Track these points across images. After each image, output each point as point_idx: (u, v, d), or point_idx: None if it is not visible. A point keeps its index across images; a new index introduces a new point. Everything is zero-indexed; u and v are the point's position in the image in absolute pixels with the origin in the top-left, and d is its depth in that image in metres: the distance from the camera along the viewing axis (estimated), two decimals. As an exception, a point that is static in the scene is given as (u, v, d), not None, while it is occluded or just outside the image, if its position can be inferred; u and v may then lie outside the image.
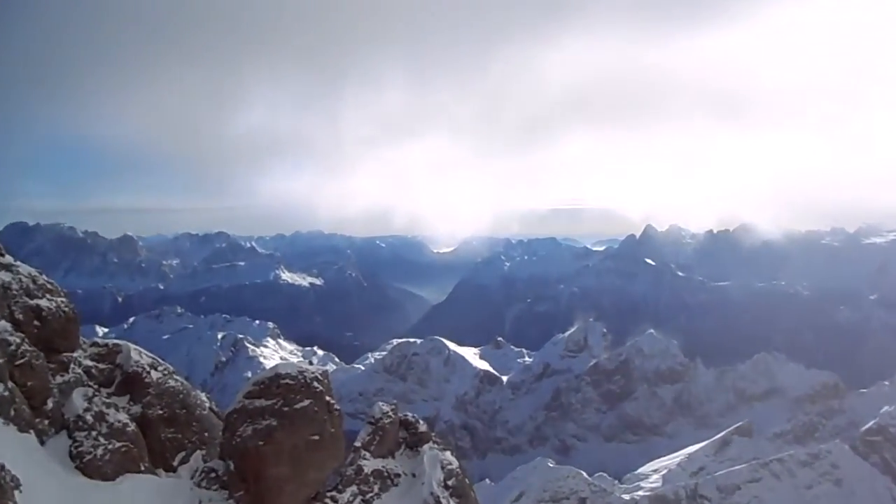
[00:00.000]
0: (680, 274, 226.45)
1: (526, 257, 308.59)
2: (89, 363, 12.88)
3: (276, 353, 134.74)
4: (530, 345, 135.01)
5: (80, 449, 11.61)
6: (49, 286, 12.70)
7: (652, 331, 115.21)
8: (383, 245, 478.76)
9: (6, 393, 10.71)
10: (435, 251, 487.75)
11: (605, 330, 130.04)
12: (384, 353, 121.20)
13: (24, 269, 12.69)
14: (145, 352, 13.64)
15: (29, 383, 11.34)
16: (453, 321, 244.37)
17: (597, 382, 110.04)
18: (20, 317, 11.88)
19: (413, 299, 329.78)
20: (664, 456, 78.09)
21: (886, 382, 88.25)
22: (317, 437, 11.60)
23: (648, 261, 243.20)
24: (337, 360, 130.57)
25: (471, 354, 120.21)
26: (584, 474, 67.49)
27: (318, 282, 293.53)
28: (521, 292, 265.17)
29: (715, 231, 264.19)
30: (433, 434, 15.56)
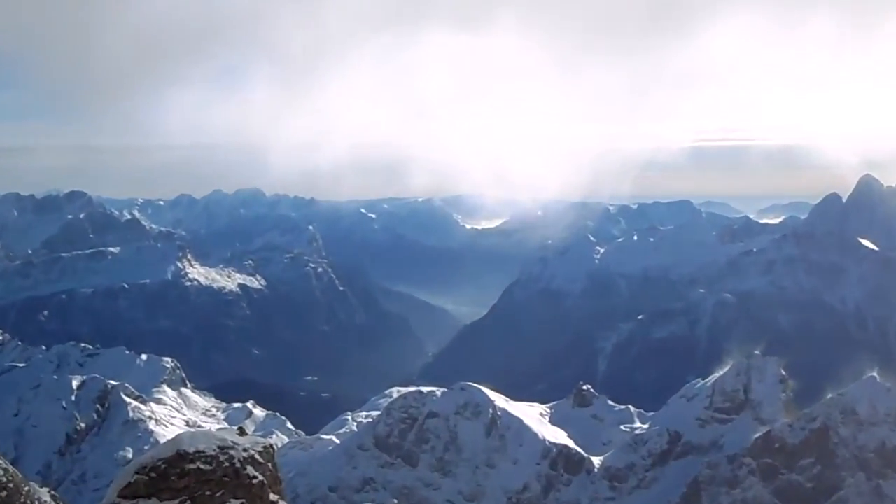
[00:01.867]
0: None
1: (636, 237, 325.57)
2: None
3: (177, 413, 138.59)
4: (642, 398, 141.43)
5: None
6: None
7: (874, 374, 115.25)
8: (376, 218, 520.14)
9: None
10: (470, 227, 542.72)
11: (783, 372, 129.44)
12: (377, 412, 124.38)
13: None
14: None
15: None
16: (500, 355, 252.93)
17: (770, 470, 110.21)
18: None
19: (429, 315, 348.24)
20: None
21: None
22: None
23: (866, 243, 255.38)
24: (290, 425, 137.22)
25: (534, 416, 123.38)
26: None
27: (254, 283, 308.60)
28: (626, 302, 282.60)
29: None
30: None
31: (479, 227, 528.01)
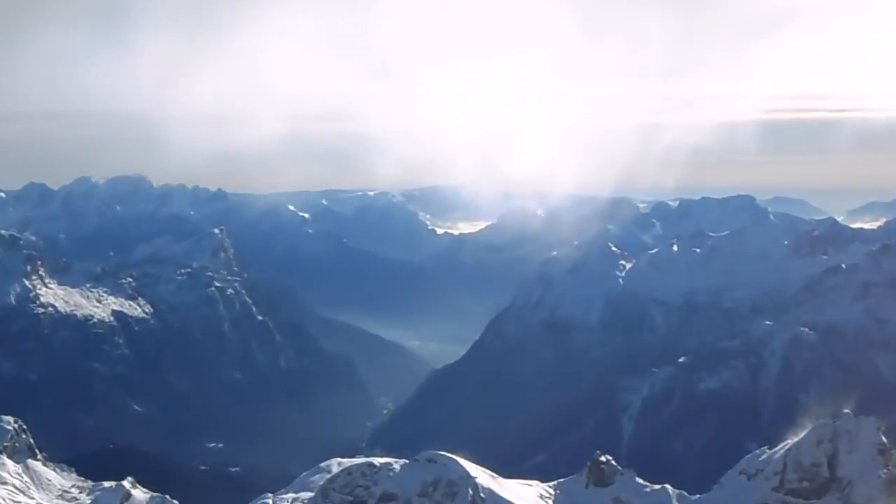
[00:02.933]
0: None
1: (676, 248, 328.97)
2: None
3: (21, 496, 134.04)
4: (683, 474, 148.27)
5: None
6: None
7: None
8: (311, 219, 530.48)
9: None
10: (443, 232, 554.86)
11: (883, 438, 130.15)
12: (309, 494, 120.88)
13: None
14: None
15: None
16: (485, 412, 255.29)
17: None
18: None
19: (384, 355, 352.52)
20: None
21: None
22: None
23: None
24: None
25: (533, 499, 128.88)
26: None
27: (136, 310, 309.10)
28: (662, 339, 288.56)
29: None
30: None
31: (457, 233, 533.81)
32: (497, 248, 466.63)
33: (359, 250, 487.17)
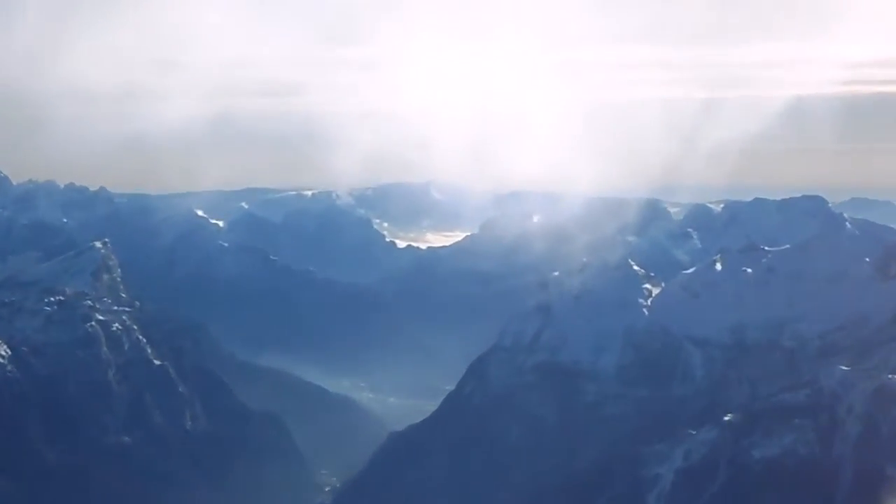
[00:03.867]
0: None
1: (720, 266, 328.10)
2: None
3: None
4: None
5: None
6: None
7: None
8: (226, 228, 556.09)
9: None
10: (406, 245, 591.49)
11: None
12: None
13: None
14: None
15: None
16: (461, 490, 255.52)
17: None
18: None
19: (324, 411, 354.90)
20: None
21: None
22: None
23: None
24: None
25: None
26: None
27: None
28: (701, 390, 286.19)
29: None
30: None
31: (425, 247, 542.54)
32: (479, 268, 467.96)
33: (291, 270, 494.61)
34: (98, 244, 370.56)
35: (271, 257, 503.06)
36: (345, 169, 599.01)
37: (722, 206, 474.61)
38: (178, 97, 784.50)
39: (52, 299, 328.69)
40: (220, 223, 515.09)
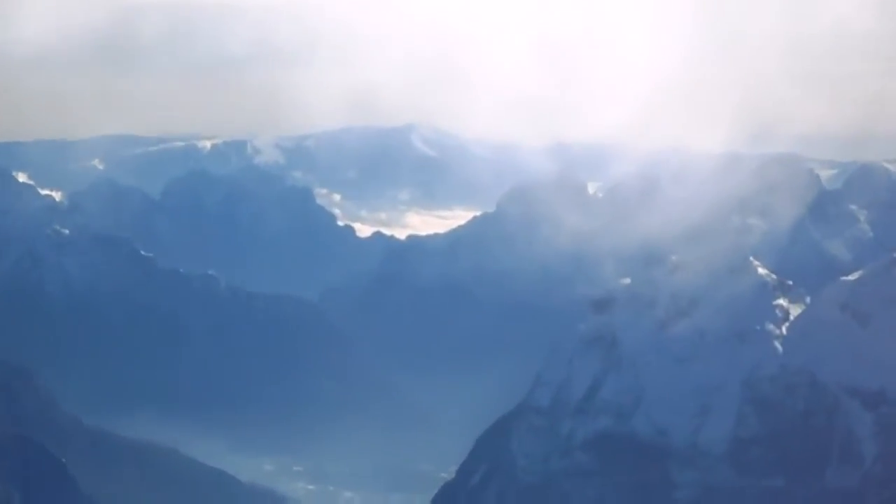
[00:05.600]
0: None
1: None
2: None
3: None
4: None
5: None
6: None
7: None
8: (63, 210, 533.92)
9: None
10: (373, 232, 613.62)
11: None
12: None
13: None
14: None
15: None
16: None
17: None
18: None
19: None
20: None
21: None
22: None
23: None
24: None
25: None
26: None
27: None
28: (865, 476, 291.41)
29: None
30: None
31: (400, 234, 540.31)
32: (494, 271, 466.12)
33: (176, 275, 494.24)
34: None
35: (142, 253, 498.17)
36: (265, 104, 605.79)
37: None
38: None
39: None
40: (56, 195, 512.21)
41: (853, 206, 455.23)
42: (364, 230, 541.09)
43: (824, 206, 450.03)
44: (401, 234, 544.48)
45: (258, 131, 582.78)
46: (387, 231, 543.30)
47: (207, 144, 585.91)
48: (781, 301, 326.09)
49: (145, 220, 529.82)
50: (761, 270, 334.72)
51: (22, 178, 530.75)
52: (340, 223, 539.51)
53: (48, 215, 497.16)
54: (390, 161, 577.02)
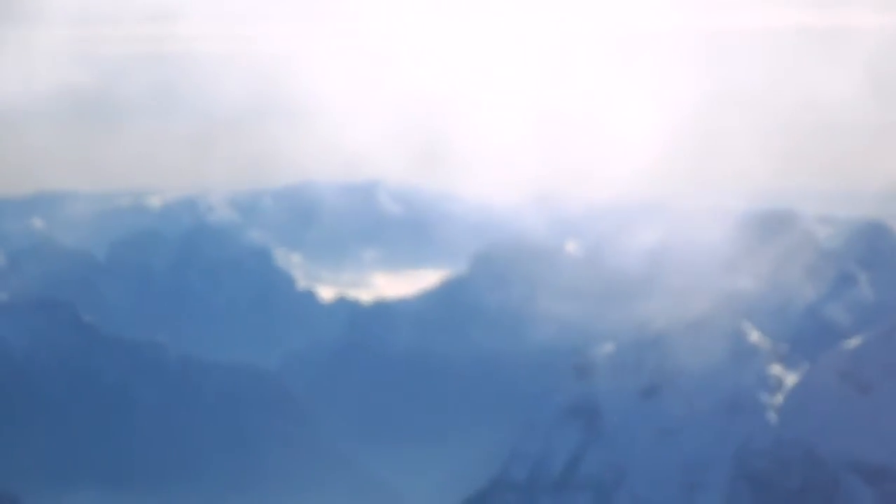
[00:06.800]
0: None
1: None
2: None
3: None
4: None
5: None
6: None
7: None
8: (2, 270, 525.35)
9: None
10: (336, 295, 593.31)
11: None
12: None
13: None
14: None
15: None
16: None
17: None
18: None
19: None
20: None
21: None
22: None
23: None
24: None
25: None
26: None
27: None
28: None
29: None
30: None
31: (366, 297, 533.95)
32: (469, 336, 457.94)
33: (122, 342, 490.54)
34: None
35: (85, 319, 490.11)
36: (223, 160, 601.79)
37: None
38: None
39: None
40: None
41: (853, 267, 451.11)
42: (326, 293, 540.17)
43: (820, 260, 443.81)
44: (366, 298, 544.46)
45: (211, 186, 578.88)
46: (351, 294, 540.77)
47: (156, 201, 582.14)
48: (776, 368, 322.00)
49: (89, 284, 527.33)
50: (754, 335, 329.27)
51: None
52: (301, 286, 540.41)
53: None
54: (354, 218, 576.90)
